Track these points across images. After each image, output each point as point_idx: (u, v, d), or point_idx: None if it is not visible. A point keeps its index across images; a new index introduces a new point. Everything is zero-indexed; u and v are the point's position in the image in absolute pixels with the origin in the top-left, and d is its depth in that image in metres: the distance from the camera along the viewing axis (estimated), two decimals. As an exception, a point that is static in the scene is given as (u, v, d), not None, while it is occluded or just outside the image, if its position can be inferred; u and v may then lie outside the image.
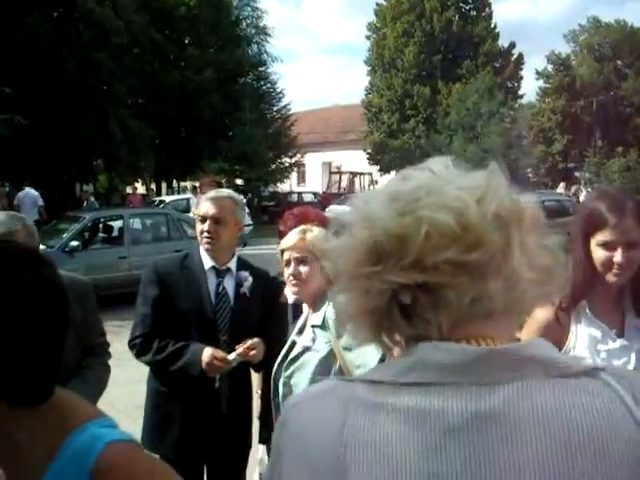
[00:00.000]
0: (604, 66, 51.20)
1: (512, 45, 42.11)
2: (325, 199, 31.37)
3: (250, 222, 24.50)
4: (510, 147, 30.47)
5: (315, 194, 36.69)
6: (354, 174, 38.39)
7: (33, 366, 1.18)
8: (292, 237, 2.83)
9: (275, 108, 38.71)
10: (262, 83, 37.54)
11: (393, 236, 0.94)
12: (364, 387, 0.96)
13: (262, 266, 3.65)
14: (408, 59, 39.05)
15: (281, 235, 3.13)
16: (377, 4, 42.58)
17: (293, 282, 2.81)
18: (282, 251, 2.85)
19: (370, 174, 38.94)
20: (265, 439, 3.53)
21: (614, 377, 0.94)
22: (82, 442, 1.18)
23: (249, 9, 36.31)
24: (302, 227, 2.87)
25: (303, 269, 2.78)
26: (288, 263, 2.83)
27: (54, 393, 1.24)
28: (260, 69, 36.76)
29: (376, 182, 38.64)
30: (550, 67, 51.82)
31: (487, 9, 41.71)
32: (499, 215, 0.94)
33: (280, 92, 38.69)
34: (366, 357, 2.49)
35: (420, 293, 0.94)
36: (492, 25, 41.45)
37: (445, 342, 0.93)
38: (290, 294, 2.90)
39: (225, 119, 30.17)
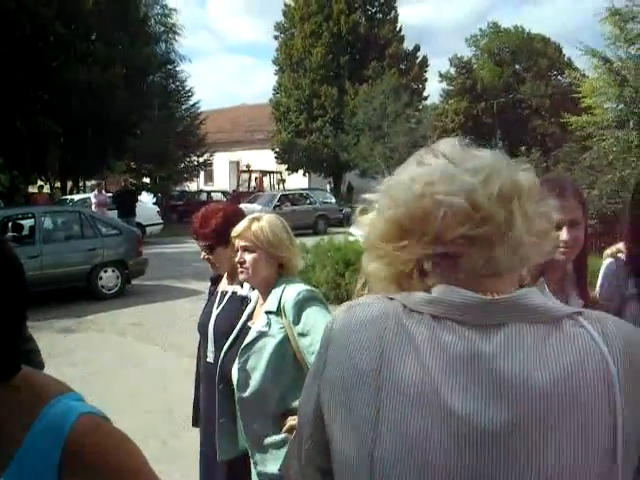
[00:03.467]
0: (504, 70, 52.91)
1: (417, 48, 42.85)
2: (235, 198, 31.36)
3: (160, 221, 24.42)
4: (415, 146, 30.83)
5: (224, 193, 36.55)
6: (264, 173, 38.40)
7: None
8: (241, 225, 3.03)
9: (184, 107, 38.35)
10: (171, 81, 37.16)
11: (415, 217, 1.13)
12: (401, 307, 1.15)
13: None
14: (316, 60, 39.24)
15: (195, 232, 3.48)
16: (285, 4, 42.69)
17: (240, 269, 3.01)
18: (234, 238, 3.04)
19: (280, 173, 39.07)
20: (196, 420, 3.67)
21: (588, 319, 1.12)
22: (56, 413, 1.22)
23: (158, 7, 35.97)
24: (252, 215, 3.10)
25: (247, 257, 2.97)
26: (236, 250, 3.03)
27: (21, 369, 1.27)
28: (169, 67, 36.40)
29: (284, 181, 38.79)
30: (453, 70, 53.22)
31: (393, 12, 42.22)
32: (502, 193, 1.12)
33: (189, 91, 38.37)
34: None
35: (440, 260, 1.14)
36: (397, 28, 42.11)
37: (463, 290, 1.12)
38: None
39: (133, 116, 29.73)
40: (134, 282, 13.69)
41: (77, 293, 12.73)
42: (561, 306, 1.15)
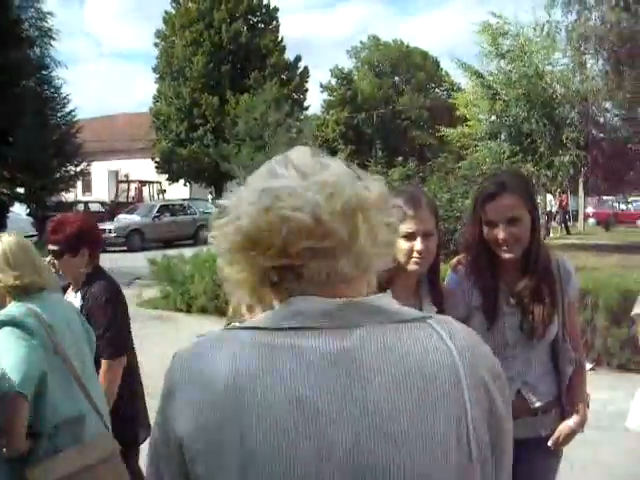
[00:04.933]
0: (383, 81, 54.08)
1: (298, 58, 43.13)
2: (114, 208, 30.63)
3: (34, 232, 23.48)
4: (297, 157, 31.25)
5: (103, 203, 35.55)
6: (143, 183, 37.59)
7: None
8: None
9: (59, 114, 37.10)
10: (45, 87, 35.88)
11: (262, 229, 1.15)
12: (248, 333, 1.16)
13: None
14: (197, 68, 38.80)
15: (48, 235, 3.65)
16: (166, 12, 41.99)
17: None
18: None
19: (159, 183, 38.36)
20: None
21: (437, 322, 1.19)
22: None
23: (32, 10, 34.64)
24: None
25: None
26: None
27: None
28: (43, 72, 35.12)
29: (164, 191, 38.16)
30: (334, 81, 53.97)
31: (274, 22, 42.40)
32: (345, 208, 1.16)
33: (65, 98, 37.12)
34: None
35: (285, 272, 1.17)
36: (279, 38, 42.24)
37: (312, 297, 1.16)
38: None
39: (4, 123, 28.52)
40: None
41: None
42: (412, 310, 1.22)
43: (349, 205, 1.16)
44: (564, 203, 29.25)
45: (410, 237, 2.46)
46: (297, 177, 1.18)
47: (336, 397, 1.09)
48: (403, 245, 2.46)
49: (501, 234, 2.59)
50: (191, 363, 1.16)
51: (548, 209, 27.58)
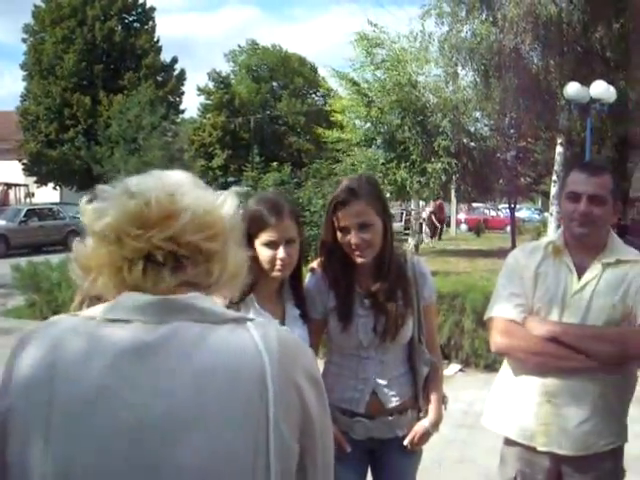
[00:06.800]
0: (261, 86, 54.13)
1: (174, 60, 42.40)
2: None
3: None
4: (172, 160, 30.65)
5: (-35, 206, 33.94)
6: (9, 185, 35.93)
7: None
8: None
9: None
10: None
11: (162, 211, 1.24)
12: (81, 320, 1.25)
13: None
14: (68, 66, 37.45)
15: None
16: (35, 6, 40.21)
17: None
18: None
19: (27, 186, 36.78)
20: None
21: (255, 325, 1.26)
22: None
23: None
24: None
25: None
26: None
27: None
28: None
29: (33, 194, 36.72)
30: (211, 84, 53.51)
31: (150, 22, 41.62)
32: (232, 220, 1.31)
33: None
34: None
35: (169, 258, 1.25)
36: (155, 39, 41.46)
37: (137, 293, 1.24)
38: None
39: None
40: None
41: None
42: (231, 312, 1.30)
43: (233, 217, 1.33)
44: (439, 210, 29.80)
45: (272, 245, 2.54)
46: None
47: (140, 389, 1.15)
48: (266, 253, 2.54)
49: (353, 239, 2.67)
50: (24, 345, 1.24)
51: (424, 216, 28.22)
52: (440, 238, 29.82)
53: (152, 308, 1.21)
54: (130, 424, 1.14)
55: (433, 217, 28.73)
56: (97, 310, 1.25)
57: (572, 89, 16.41)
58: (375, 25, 21.15)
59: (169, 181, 1.30)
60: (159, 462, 1.13)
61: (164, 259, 1.25)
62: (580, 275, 2.76)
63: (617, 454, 2.84)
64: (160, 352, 1.18)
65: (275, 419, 1.18)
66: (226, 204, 1.33)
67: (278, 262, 2.54)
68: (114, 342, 1.18)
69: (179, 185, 1.29)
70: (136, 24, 41.42)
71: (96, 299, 2.23)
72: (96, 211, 1.28)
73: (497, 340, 2.83)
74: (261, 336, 1.23)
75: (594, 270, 2.75)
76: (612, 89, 16.44)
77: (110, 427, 1.14)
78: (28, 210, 27.46)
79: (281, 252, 2.53)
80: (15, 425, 1.18)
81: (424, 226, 28.39)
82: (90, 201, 1.30)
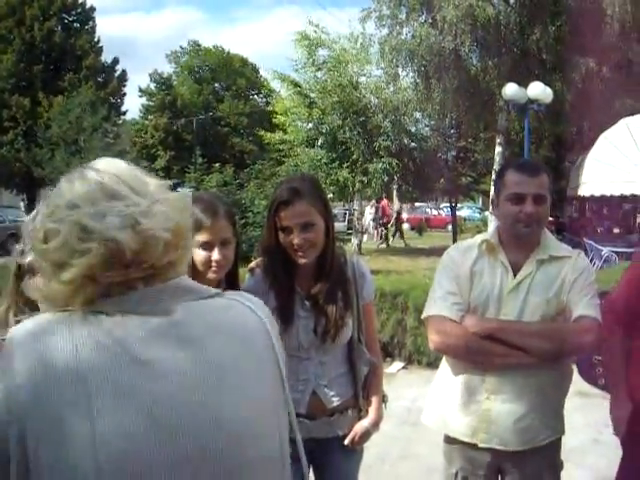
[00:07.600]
0: (204, 87, 53.79)
1: (116, 61, 41.78)
2: None
3: None
4: (114, 162, 30.45)
5: None
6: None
7: None
8: None
9: None
10: None
11: (133, 250, 1.22)
12: (83, 315, 1.22)
13: None
14: (6, 67, 36.54)
15: None
16: (-30, 5, 39.38)
17: None
18: None
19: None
20: None
21: (234, 295, 1.41)
22: None
23: None
24: None
25: None
26: None
27: None
28: None
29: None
30: (153, 85, 52.95)
31: (91, 22, 40.89)
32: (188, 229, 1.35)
33: None
34: None
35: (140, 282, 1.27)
36: (96, 39, 40.75)
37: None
38: None
39: None
40: None
41: None
42: (207, 287, 1.38)
43: (189, 225, 1.38)
44: (386, 211, 29.42)
45: (207, 246, 2.51)
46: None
47: (176, 359, 1.22)
48: (201, 254, 2.50)
49: (296, 240, 2.67)
50: (31, 344, 1.18)
51: (368, 216, 28.23)
52: (394, 238, 29.01)
53: (158, 295, 1.28)
54: (172, 390, 1.20)
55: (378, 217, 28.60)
56: (111, 306, 1.24)
57: (510, 90, 16.73)
58: (316, 25, 21.23)
59: (127, 205, 1.24)
60: (213, 415, 1.23)
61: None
62: (515, 272, 2.81)
63: (555, 447, 2.91)
64: (185, 328, 1.26)
65: (284, 370, 1.39)
66: (184, 209, 1.35)
67: (213, 264, 2.51)
68: (139, 325, 1.22)
69: (139, 207, 1.24)
70: (76, 24, 40.60)
71: (24, 304, 2.23)
72: (57, 251, 1.22)
73: (435, 339, 2.84)
74: (248, 300, 1.40)
75: (529, 267, 2.80)
76: (549, 90, 16.81)
77: (156, 394, 1.18)
78: (-37, 214, 26.77)
79: (216, 254, 2.50)
80: (42, 427, 1.12)
81: (371, 226, 28.34)
82: (34, 219, 1.27)
